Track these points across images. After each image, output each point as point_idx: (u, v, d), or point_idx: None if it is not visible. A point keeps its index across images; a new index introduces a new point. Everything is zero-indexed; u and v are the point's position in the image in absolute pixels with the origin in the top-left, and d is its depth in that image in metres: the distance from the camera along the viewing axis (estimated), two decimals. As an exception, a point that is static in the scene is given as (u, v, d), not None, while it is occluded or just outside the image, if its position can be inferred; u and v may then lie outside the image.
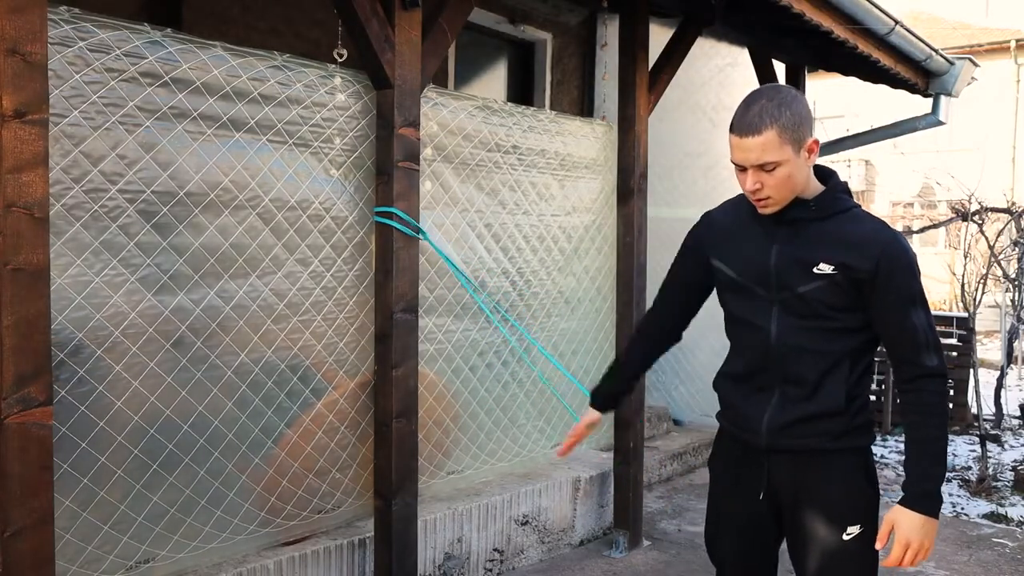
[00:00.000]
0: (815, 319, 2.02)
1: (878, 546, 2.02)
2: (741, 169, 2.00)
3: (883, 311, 1.99)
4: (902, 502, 1.99)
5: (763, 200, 2.01)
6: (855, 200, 2.13)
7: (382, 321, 3.01)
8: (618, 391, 2.47)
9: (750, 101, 1.97)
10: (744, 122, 1.95)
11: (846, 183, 2.13)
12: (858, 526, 2.04)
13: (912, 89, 5.90)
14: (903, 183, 18.45)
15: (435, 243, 3.04)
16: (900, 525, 1.98)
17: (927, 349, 1.99)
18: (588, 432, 2.42)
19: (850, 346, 2.04)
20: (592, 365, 4.29)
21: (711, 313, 2.34)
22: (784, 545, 2.21)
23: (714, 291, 2.30)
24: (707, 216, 2.26)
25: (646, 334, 2.45)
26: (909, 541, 1.96)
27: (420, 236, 3.02)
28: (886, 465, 5.86)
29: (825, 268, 1.99)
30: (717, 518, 2.25)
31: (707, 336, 3.67)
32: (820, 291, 2.00)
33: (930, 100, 6.04)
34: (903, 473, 2.06)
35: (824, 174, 2.10)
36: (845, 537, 2.03)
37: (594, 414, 2.41)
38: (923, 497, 1.97)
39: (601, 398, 2.43)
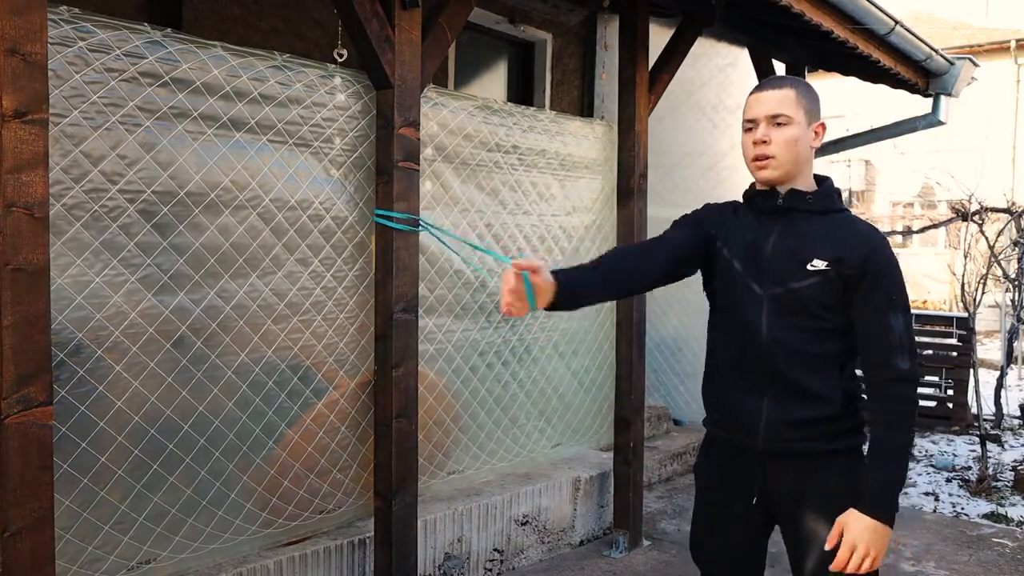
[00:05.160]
0: (806, 318, 2.01)
1: (827, 546, 1.97)
2: (749, 128, 2.06)
3: (863, 310, 1.99)
4: (856, 505, 1.95)
5: (765, 160, 2.03)
6: (854, 201, 2.15)
7: (382, 321, 3.01)
8: (587, 279, 2.02)
9: (773, 76, 2.07)
10: (767, 82, 2.09)
11: (839, 188, 2.17)
12: None
13: (912, 89, 5.90)
14: (903, 183, 18.43)
15: (432, 229, 3.02)
16: (850, 528, 1.93)
17: (900, 352, 1.96)
18: (519, 282, 1.84)
19: (838, 349, 2.03)
20: (592, 365, 4.29)
21: (712, 313, 2.34)
22: (774, 548, 2.20)
23: (677, 279, 2.17)
24: (711, 204, 2.27)
25: (640, 250, 2.20)
26: (856, 545, 1.91)
27: (421, 227, 3.01)
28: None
29: (819, 264, 1.99)
30: (707, 523, 2.24)
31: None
32: (813, 288, 2.00)
33: (930, 100, 6.04)
34: None
35: (818, 178, 2.15)
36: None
37: (548, 279, 1.89)
38: (880, 501, 1.94)
39: (569, 279, 1.98)
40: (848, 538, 1.93)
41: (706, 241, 2.18)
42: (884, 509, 1.93)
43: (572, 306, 2.01)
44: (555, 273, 1.93)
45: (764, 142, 2.02)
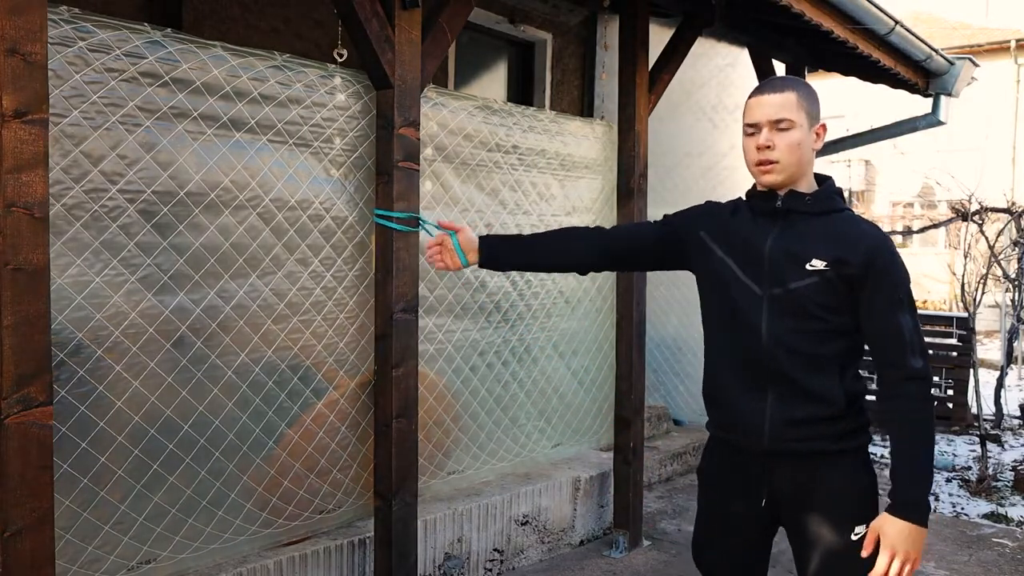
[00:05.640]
0: (806, 319, 2.01)
1: (864, 554, 1.97)
2: (751, 132, 2.05)
3: (871, 310, 1.98)
4: (889, 510, 1.95)
5: (769, 164, 2.03)
6: (854, 201, 2.15)
7: (382, 321, 3.01)
8: (510, 242, 2.37)
9: (771, 77, 2.09)
10: (767, 84, 2.07)
11: (841, 188, 2.16)
12: (864, 526, 2.02)
13: (912, 89, 5.90)
14: (903, 183, 18.44)
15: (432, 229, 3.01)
16: (887, 534, 1.94)
17: (912, 351, 1.96)
18: (449, 240, 2.31)
19: (841, 349, 2.03)
20: (592, 365, 4.29)
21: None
22: (774, 548, 2.20)
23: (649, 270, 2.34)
24: (710, 203, 2.27)
25: (584, 234, 2.40)
26: (895, 550, 1.92)
27: (420, 226, 3.00)
28: (886, 466, 5.83)
29: (818, 264, 1.99)
30: (710, 527, 2.23)
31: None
32: (812, 288, 1.99)
33: (930, 100, 6.04)
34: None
35: (819, 178, 2.14)
36: (853, 538, 2.02)
37: (472, 238, 2.30)
38: (911, 504, 1.94)
39: (493, 237, 2.35)
40: (886, 544, 1.93)
41: (681, 240, 2.20)
42: (917, 511, 1.94)
43: (496, 266, 2.37)
44: (484, 237, 2.30)
45: (768, 147, 2.02)
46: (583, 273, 2.46)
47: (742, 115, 2.10)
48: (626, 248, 2.35)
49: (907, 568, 1.93)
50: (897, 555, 1.92)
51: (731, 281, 2.10)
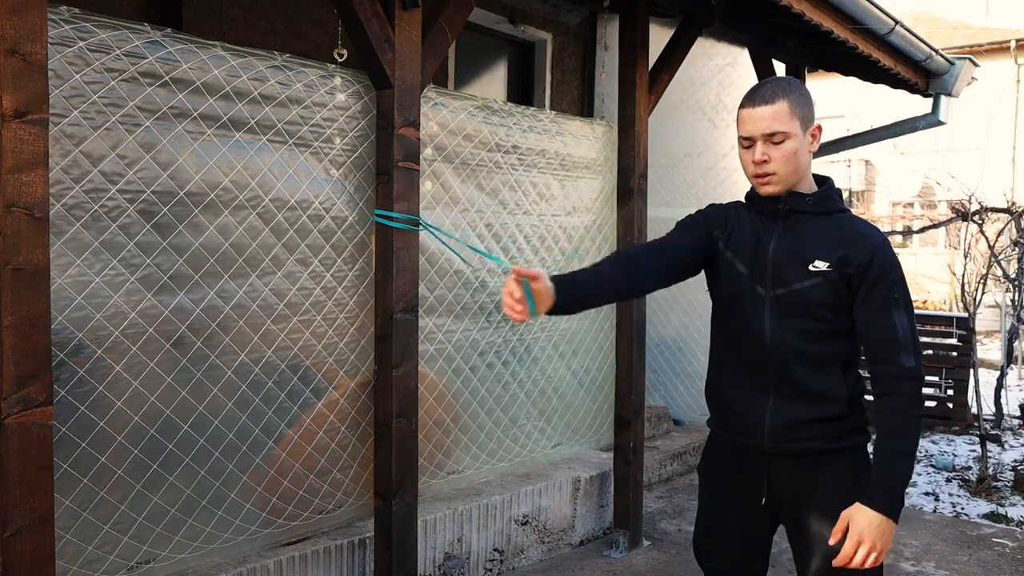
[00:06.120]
0: (809, 319, 2.02)
1: (832, 541, 1.97)
2: (747, 145, 2.05)
3: (867, 309, 2.00)
4: (862, 499, 1.95)
5: (767, 176, 2.03)
6: (854, 201, 2.16)
7: (382, 321, 3.01)
8: (580, 277, 2.02)
9: (761, 83, 2.07)
10: (757, 95, 2.03)
11: (839, 190, 2.17)
12: None
13: (912, 89, 5.91)
14: (903, 183, 18.43)
15: (432, 230, 3.01)
16: (855, 521, 1.93)
17: (906, 350, 1.98)
18: (520, 289, 1.86)
19: (842, 349, 2.05)
20: (592, 365, 4.29)
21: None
22: (774, 548, 2.20)
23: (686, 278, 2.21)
24: (713, 206, 2.26)
25: (637, 254, 2.17)
26: (862, 538, 1.91)
27: (421, 227, 3.01)
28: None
29: (821, 265, 2.01)
30: (710, 524, 2.24)
31: (708, 336, 3.68)
32: (816, 288, 2.01)
33: (930, 100, 6.04)
34: None
35: (819, 179, 2.15)
36: None
37: (548, 286, 1.88)
38: (885, 495, 1.94)
39: (560, 279, 1.95)
40: (853, 531, 1.93)
41: (709, 243, 2.18)
42: (890, 504, 1.94)
43: (571, 311, 2.00)
44: (554, 279, 1.93)
45: (764, 161, 2.02)
46: (637, 297, 2.26)
47: (736, 125, 2.10)
48: (675, 260, 2.15)
49: (871, 557, 1.91)
50: (863, 543, 1.91)
51: (736, 281, 2.11)
